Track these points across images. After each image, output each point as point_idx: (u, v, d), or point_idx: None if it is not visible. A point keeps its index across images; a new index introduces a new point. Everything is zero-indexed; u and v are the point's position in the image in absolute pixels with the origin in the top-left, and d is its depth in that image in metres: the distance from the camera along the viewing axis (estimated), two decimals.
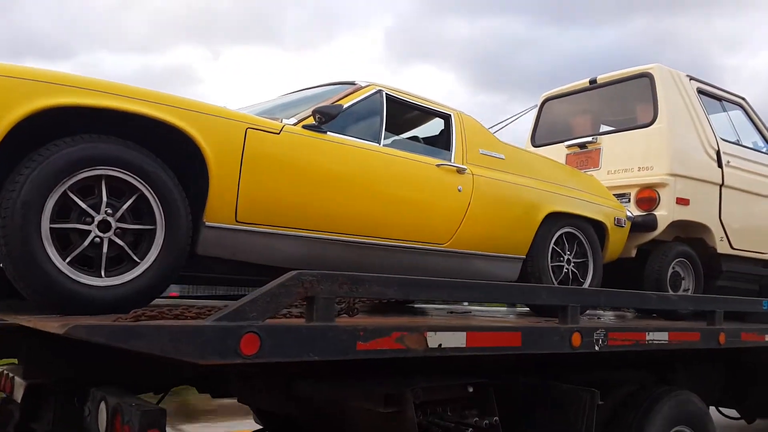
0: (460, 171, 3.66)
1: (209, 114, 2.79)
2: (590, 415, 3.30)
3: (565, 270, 4.21)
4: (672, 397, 3.82)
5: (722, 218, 5.19)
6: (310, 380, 3.11)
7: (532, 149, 6.03)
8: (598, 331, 3.24)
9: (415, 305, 5.01)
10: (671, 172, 4.97)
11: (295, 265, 2.62)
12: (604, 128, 5.65)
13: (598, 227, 4.45)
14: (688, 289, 5.04)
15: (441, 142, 3.83)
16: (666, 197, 4.94)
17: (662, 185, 4.97)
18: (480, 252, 3.75)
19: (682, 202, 4.95)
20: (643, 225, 4.93)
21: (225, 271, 3.12)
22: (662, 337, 3.59)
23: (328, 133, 3.18)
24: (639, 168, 5.13)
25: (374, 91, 3.56)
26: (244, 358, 2.14)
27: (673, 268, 4.99)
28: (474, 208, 3.67)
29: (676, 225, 5.09)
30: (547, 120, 6.09)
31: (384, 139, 3.49)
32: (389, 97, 3.61)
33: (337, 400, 3.08)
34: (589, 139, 5.48)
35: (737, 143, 5.48)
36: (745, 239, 5.37)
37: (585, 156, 5.56)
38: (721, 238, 5.20)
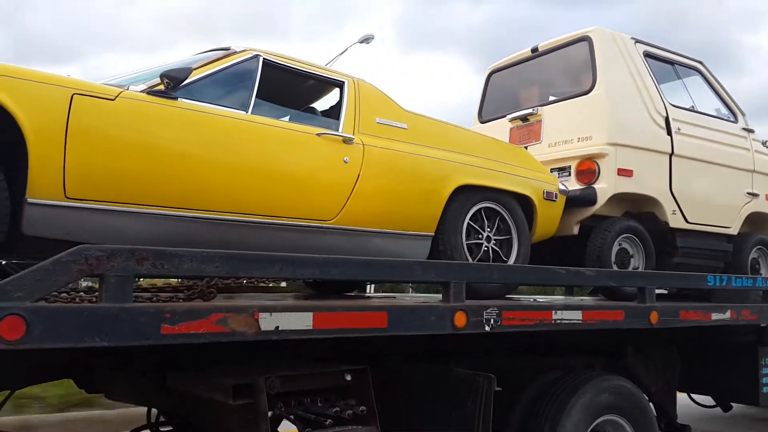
0: (347, 141, 3.35)
1: (25, 79, 2.52)
2: (487, 402, 2.99)
3: (484, 248, 3.88)
4: (594, 384, 3.49)
5: (673, 190, 4.81)
6: (176, 371, 2.84)
7: (479, 126, 5.70)
8: (488, 310, 2.93)
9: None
10: (611, 141, 4.61)
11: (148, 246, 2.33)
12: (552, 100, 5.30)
13: (524, 202, 4.12)
14: (637, 267, 4.69)
15: (331, 112, 3.52)
16: (606, 169, 4.58)
17: (601, 156, 4.61)
18: (377, 229, 3.44)
19: (624, 173, 4.59)
20: (581, 199, 4.58)
21: None
22: (573, 316, 3.26)
23: (181, 99, 2.90)
24: (578, 139, 4.78)
25: (249, 56, 3.27)
26: (7, 344, 1.88)
27: (620, 245, 4.64)
28: (364, 181, 3.36)
29: (622, 198, 4.73)
30: (494, 94, 5.75)
31: (257, 107, 3.19)
32: (268, 63, 3.32)
33: (195, 393, 2.81)
34: (530, 111, 5.14)
35: (691, 109, 5.09)
36: (701, 212, 4.99)
37: (527, 129, 5.21)
38: (674, 211, 4.82)
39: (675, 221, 4.83)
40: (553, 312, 3.18)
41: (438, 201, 3.64)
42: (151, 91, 2.83)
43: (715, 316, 3.98)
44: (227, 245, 2.89)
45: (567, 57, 5.10)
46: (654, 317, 3.61)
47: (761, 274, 5.46)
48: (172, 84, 2.83)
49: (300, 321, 2.41)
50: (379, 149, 3.46)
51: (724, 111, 5.39)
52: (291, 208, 3.15)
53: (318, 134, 3.27)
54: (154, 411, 3.72)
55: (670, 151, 4.82)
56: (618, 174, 4.56)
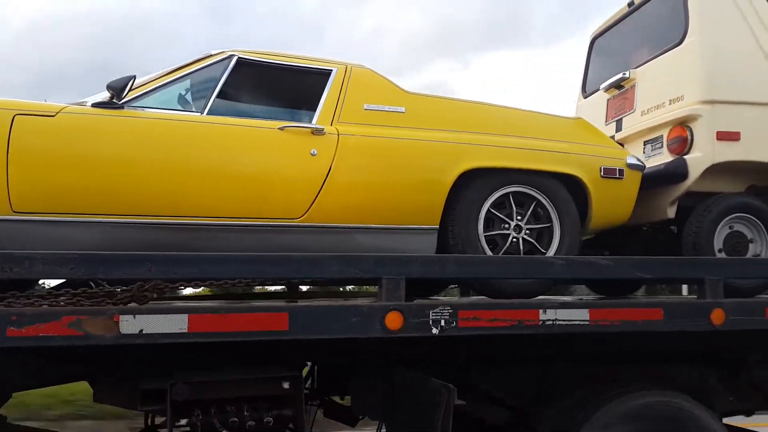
0: (317, 132, 3.12)
1: None
2: (446, 417, 2.57)
3: (513, 239, 3.34)
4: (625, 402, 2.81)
5: None
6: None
7: (582, 102, 4.99)
8: (436, 310, 2.50)
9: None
10: (705, 98, 3.68)
11: None
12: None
13: (572, 183, 3.46)
14: (759, 254, 3.67)
15: (309, 103, 3.32)
16: (700, 134, 3.66)
17: (693, 118, 3.70)
18: (361, 225, 3.15)
19: (726, 137, 3.63)
20: (668, 175, 3.73)
21: None
22: (575, 316, 2.64)
23: (128, 108, 2.96)
24: (670, 101, 3.90)
25: (221, 58, 3.23)
26: None
27: (731, 227, 3.68)
28: (338, 173, 3.09)
29: (736, 169, 3.76)
30: (598, 63, 4.97)
31: (220, 108, 3.14)
32: (243, 62, 3.25)
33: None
34: (621, 75, 4.33)
35: None
36: None
37: (622, 98, 4.41)
38: None
39: None
40: (541, 311, 2.60)
41: (439, 190, 3.22)
42: (95, 104, 2.94)
43: None
44: (195, 249, 2.87)
45: (661, 4, 4.21)
46: (718, 316, 2.77)
47: None
48: (114, 94, 2.90)
49: (171, 324, 2.28)
50: (359, 138, 3.17)
51: None
52: (254, 208, 3.02)
53: (281, 128, 3.10)
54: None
55: None
56: (717, 139, 3.63)
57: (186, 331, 2.28)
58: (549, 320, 2.60)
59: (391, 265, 2.51)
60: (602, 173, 3.51)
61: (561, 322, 2.61)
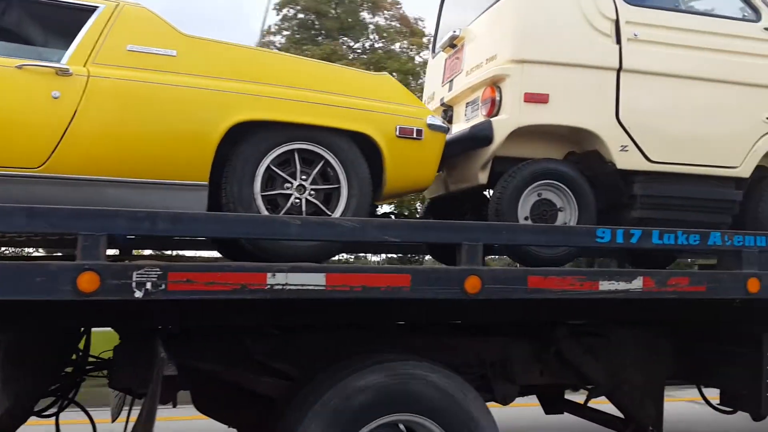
0: (62, 73, 2.81)
1: None
2: (154, 389, 2.36)
3: (295, 200, 3.12)
4: (373, 374, 2.65)
5: (622, 118, 3.55)
6: None
7: (431, 62, 4.78)
8: (141, 271, 2.26)
9: None
10: (515, 57, 3.50)
11: None
12: None
13: (366, 142, 3.25)
14: (568, 223, 3.54)
15: (65, 42, 3.00)
16: (508, 95, 3.49)
17: (502, 78, 3.52)
18: (114, 178, 2.88)
19: (534, 98, 3.46)
20: (472, 138, 3.55)
21: None
22: (310, 280, 2.44)
23: None
24: (487, 60, 3.72)
25: None
26: None
27: (539, 195, 3.54)
28: (84, 119, 2.79)
29: (552, 134, 3.61)
30: (449, 20, 4.75)
31: None
32: None
33: None
34: (452, 33, 4.12)
35: (665, 7, 3.71)
36: (677, 148, 3.64)
37: (455, 58, 4.21)
38: (623, 147, 3.55)
39: (627, 161, 3.57)
40: (270, 275, 2.39)
41: (205, 143, 2.96)
42: None
43: (606, 286, 2.82)
44: None
45: None
46: (473, 285, 2.62)
47: None
48: None
49: None
50: (113, 81, 2.87)
51: (738, 4, 3.88)
52: None
53: (19, 66, 2.78)
54: None
55: (617, 66, 3.56)
56: (525, 101, 3.46)
57: None
58: (278, 285, 2.39)
59: (90, 218, 2.25)
60: (398, 133, 3.30)
61: (292, 287, 2.41)
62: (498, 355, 3.59)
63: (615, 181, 3.62)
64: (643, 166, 3.59)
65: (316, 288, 2.44)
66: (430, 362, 2.77)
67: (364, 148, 3.24)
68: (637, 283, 2.88)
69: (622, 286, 2.86)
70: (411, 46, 23.09)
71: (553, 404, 4.49)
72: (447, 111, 4.16)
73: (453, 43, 4.16)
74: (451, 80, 4.18)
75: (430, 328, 3.46)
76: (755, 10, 3.87)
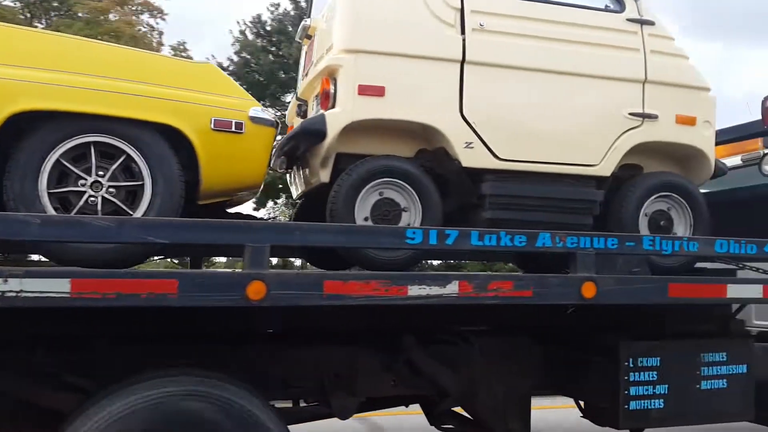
0: None
1: None
2: None
3: (90, 199, 2.83)
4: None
5: (467, 113, 3.32)
6: None
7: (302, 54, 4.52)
8: None
9: None
10: (348, 47, 3.26)
11: None
12: None
13: (175, 135, 2.98)
14: (413, 224, 3.30)
15: None
16: (342, 87, 3.24)
17: (336, 69, 3.28)
18: None
19: (369, 91, 3.22)
20: (305, 133, 3.30)
21: None
22: (52, 287, 2.15)
23: None
24: (327, 50, 3.47)
25: None
26: None
27: (381, 194, 3.29)
28: None
29: (400, 130, 3.37)
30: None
31: None
32: None
33: None
34: (304, 22, 3.89)
35: None
36: (528, 145, 3.42)
37: (310, 48, 3.96)
38: (468, 144, 3.33)
39: (473, 159, 3.34)
40: (1, 281, 2.10)
41: None
42: None
43: (415, 291, 2.57)
44: None
45: None
46: (257, 290, 2.35)
47: (675, 233, 3.70)
48: None
49: None
50: None
51: None
52: None
53: None
54: None
55: (460, 58, 3.34)
56: (359, 93, 3.21)
57: None
58: (11, 292, 2.10)
59: None
60: (213, 125, 3.03)
61: (28, 295, 2.12)
62: (341, 366, 3.34)
63: (462, 180, 3.39)
64: (492, 164, 3.37)
65: (59, 296, 2.15)
66: (221, 375, 2.50)
67: (176, 142, 2.97)
68: (452, 288, 2.64)
69: (434, 291, 2.61)
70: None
71: (435, 416, 4.24)
72: (302, 105, 3.91)
73: (308, 34, 3.92)
74: (307, 73, 3.94)
75: (263, 336, 3.20)
76: (619, 0, 3.69)
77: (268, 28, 23.94)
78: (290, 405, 3.46)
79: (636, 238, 3.07)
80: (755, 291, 3.20)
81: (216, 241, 2.41)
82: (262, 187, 3.63)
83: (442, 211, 3.50)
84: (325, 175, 3.36)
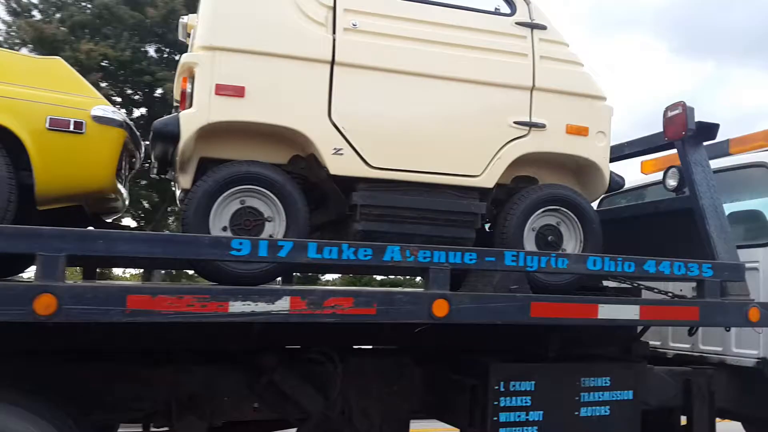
0: None
1: None
2: None
3: None
4: None
5: (335, 117, 3.13)
6: None
7: None
8: None
9: None
10: (206, 43, 3.06)
11: None
12: None
13: (6, 135, 2.75)
14: (275, 235, 3.09)
15: None
16: (198, 86, 3.03)
17: (192, 67, 3.07)
18: None
19: (227, 91, 3.01)
20: (157, 134, 3.08)
21: None
22: None
23: None
24: (195, 48, 3.26)
25: None
26: None
27: (243, 202, 3.08)
28: None
29: (274, 135, 3.16)
30: None
31: None
32: None
33: None
34: (181, 19, 3.69)
35: None
36: (404, 153, 3.23)
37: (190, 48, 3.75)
38: (337, 150, 3.12)
39: (342, 166, 3.14)
40: None
41: None
42: None
43: (238, 307, 2.36)
44: None
45: None
46: (45, 304, 2.13)
47: (564, 249, 3.51)
48: None
49: None
50: None
51: None
52: None
53: None
54: None
55: (330, 59, 3.14)
56: (216, 93, 3.01)
57: None
58: None
59: None
60: (48, 125, 2.82)
61: None
62: (197, 387, 3.12)
63: (331, 188, 3.19)
64: (363, 172, 3.17)
65: None
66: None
67: (7, 142, 2.75)
68: (283, 304, 2.43)
69: (260, 307, 2.41)
70: None
71: None
72: (178, 108, 3.69)
73: (188, 32, 3.72)
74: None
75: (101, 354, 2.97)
76: (510, 3, 3.51)
77: None
78: (140, 430, 3.24)
79: (497, 253, 2.88)
80: (631, 312, 3.01)
81: (9, 250, 2.18)
82: (125, 193, 3.42)
83: (319, 222, 3.32)
84: (185, 181, 3.15)
